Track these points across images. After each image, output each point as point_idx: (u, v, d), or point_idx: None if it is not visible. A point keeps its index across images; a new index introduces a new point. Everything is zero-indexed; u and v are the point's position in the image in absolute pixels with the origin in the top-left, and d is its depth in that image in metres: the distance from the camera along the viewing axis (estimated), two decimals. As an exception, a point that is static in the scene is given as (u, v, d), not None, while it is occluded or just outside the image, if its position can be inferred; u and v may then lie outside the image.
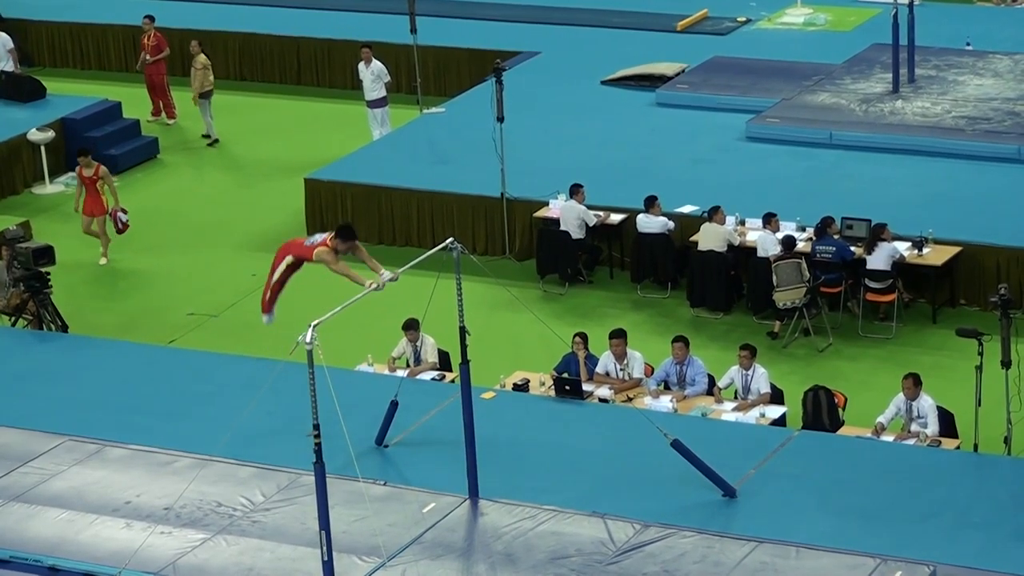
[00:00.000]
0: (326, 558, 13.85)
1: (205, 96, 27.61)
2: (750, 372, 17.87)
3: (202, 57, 27.59)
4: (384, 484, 16.06)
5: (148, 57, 28.28)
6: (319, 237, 15.16)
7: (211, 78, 27.55)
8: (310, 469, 13.90)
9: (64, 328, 20.37)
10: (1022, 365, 16.48)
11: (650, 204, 21.56)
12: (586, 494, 15.77)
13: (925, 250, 20.61)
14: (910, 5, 24.77)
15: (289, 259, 15.27)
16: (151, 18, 28.52)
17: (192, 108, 27.98)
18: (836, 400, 17.78)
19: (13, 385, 18.52)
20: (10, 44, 28.73)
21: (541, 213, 22.53)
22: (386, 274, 14.83)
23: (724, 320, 20.94)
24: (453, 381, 18.20)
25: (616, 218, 22.15)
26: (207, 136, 27.81)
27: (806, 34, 28.47)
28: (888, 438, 16.80)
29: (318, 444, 13.69)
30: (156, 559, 15.11)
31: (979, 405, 16.31)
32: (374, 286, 14.57)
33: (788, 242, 20.40)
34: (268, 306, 15.71)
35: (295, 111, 28.73)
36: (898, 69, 25.01)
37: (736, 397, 17.97)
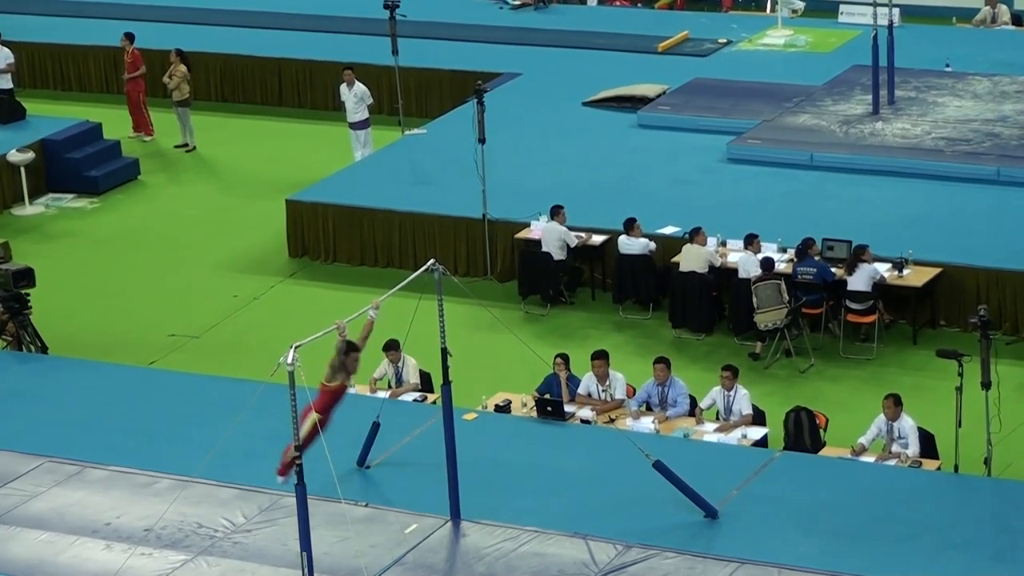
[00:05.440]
0: (307, 580, 13.84)
1: (185, 104, 27.74)
2: (732, 393, 17.87)
3: (183, 67, 27.73)
4: (366, 505, 16.04)
5: (126, 74, 28.36)
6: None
7: (188, 88, 27.91)
8: (291, 490, 13.88)
9: (44, 349, 20.31)
10: (1002, 386, 16.49)
11: (629, 227, 21.56)
12: (568, 515, 15.75)
13: (905, 271, 20.65)
14: (890, 27, 24.84)
15: (313, 416, 14.31)
16: (129, 36, 28.54)
17: (170, 127, 28.07)
18: (817, 421, 17.79)
19: (-7, 406, 18.50)
20: (11, 58, 28.66)
21: (522, 234, 22.53)
22: (373, 308, 15.06)
23: (706, 341, 20.95)
24: (435, 402, 18.17)
25: (598, 239, 22.15)
26: (184, 145, 27.88)
27: (787, 56, 28.53)
28: (869, 459, 16.81)
29: (299, 465, 13.68)
30: (137, 581, 15.09)
31: (959, 426, 16.31)
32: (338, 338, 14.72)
33: (767, 263, 20.44)
34: (286, 470, 14.72)
35: (277, 132, 28.71)
36: (878, 91, 25.08)
37: (718, 418, 17.96)
